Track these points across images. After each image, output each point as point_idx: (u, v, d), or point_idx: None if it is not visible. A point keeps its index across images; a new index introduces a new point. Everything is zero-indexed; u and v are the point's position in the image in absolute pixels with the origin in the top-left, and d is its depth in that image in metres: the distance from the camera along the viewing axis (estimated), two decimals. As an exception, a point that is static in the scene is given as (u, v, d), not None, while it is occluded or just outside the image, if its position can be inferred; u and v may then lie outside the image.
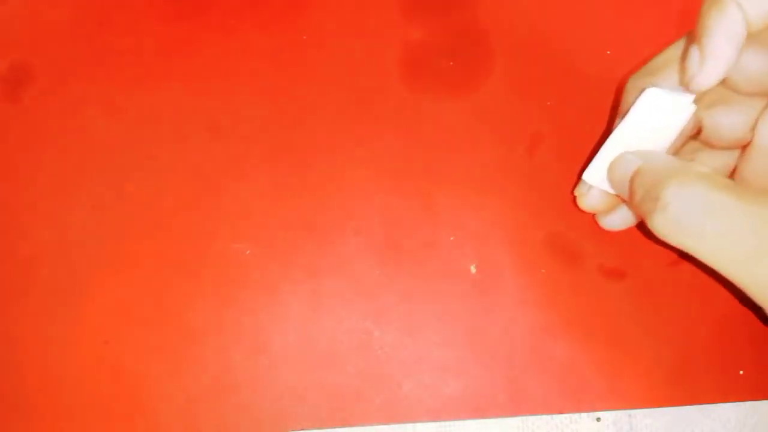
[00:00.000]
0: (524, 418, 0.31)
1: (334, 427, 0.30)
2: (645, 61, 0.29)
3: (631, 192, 0.24)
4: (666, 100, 0.26)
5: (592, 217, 0.33)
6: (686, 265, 0.32)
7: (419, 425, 0.31)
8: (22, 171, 0.34)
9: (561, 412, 0.31)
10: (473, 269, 0.32)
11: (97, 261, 0.32)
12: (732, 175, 0.29)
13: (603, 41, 0.36)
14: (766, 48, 0.24)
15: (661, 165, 0.23)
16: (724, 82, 0.26)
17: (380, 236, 0.33)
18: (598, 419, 0.31)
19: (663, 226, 0.22)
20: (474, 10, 0.36)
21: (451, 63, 0.35)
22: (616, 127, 0.28)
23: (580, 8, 0.36)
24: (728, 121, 0.27)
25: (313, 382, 0.31)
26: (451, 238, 0.33)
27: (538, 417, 0.31)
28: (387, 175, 0.33)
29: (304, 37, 0.36)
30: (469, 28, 0.36)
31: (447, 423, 0.31)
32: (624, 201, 0.28)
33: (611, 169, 0.27)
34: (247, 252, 0.32)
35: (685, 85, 0.24)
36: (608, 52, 0.35)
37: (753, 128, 0.27)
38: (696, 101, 0.26)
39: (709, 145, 0.29)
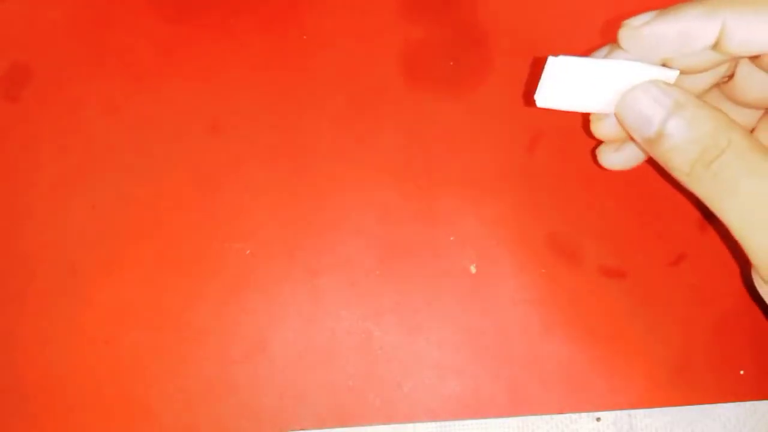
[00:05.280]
0: (524, 418, 0.31)
1: (334, 427, 0.30)
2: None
3: (662, 136, 0.22)
4: (651, 72, 0.24)
5: (592, 217, 0.33)
6: (686, 265, 0.33)
7: (419, 425, 0.31)
8: (22, 171, 0.34)
9: (561, 412, 0.31)
10: (473, 269, 0.32)
11: (97, 261, 0.32)
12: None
13: (603, 41, 0.36)
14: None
15: (712, 116, 0.22)
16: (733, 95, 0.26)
17: (380, 236, 0.33)
18: (598, 419, 0.31)
19: (703, 186, 0.22)
20: (474, 10, 0.36)
21: (451, 63, 0.35)
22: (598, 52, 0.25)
23: (580, 8, 0.36)
24: (760, 81, 0.25)
25: (313, 382, 0.31)
26: (451, 238, 0.33)
27: (538, 417, 0.31)
28: (387, 175, 0.33)
29: (304, 37, 0.36)
30: (469, 28, 0.36)
31: (447, 423, 0.31)
32: (630, 136, 0.25)
33: (631, 97, 0.24)
34: (247, 252, 0.32)
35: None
36: (608, 52, 0.35)
37: None
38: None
39: (733, 100, 0.27)
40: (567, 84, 0.24)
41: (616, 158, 0.28)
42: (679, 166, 0.22)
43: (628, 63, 0.24)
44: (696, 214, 0.33)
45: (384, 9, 0.36)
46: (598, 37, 0.36)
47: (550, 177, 0.33)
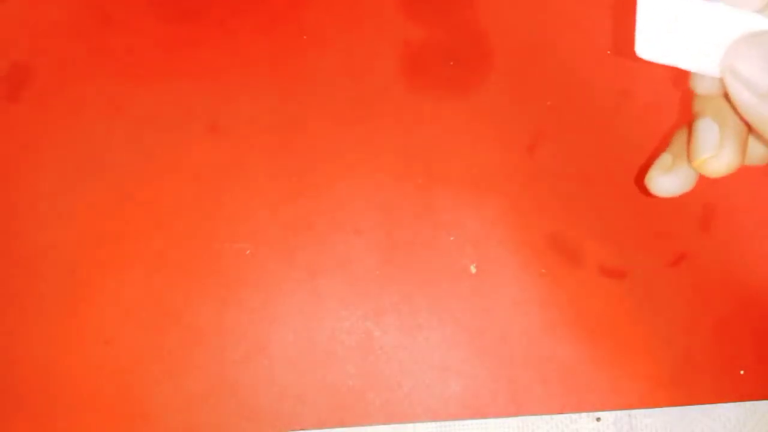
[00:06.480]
0: (524, 418, 0.31)
1: (334, 427, 0.30)
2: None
3: None
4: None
5: (592, 217, 0.33)
6: (686, 265, 0.33)
7: (419, 425, 0.31)
8: (22, 171, 0.34)
9: (561, 412, 0.31)
10: (473, 269, 0.32)
11: (97, 261, 0.32)
12: None
13: (603, 41, 0.36)
14: None
15: None
16: None
17: (380, 236, 0.33)
18: (598, 419, 0.31)
19: None
20: (474, 10, 0.36)
21: (451, 63, 0.35)
22: None
23: (580, 8, 0.36)
24: None
25: (313, 382, 0.31)
26: (451, 238, 0.33)
27: (538, 417, 0.31)
28: (387, 175, 0.33)
29: (304, 37, 0.36)
30: (469, 28, 0.36)
31: (447, 423, 0.31)
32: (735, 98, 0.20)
33: (760, 37, 0.20)
34: (247, 252, 0.32)
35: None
36: (608, 52, 0.35)
37: None
38: None
39: None
40: (667, 27, 0.21)
41: (669, 183, 0.25)
42: None
43: (728, 8, 0.20)
44: (696, 214, 0.33)
45: (384, 9, 0.36)
46: (597, 38, 0.36)
47: (550, 177, 0.33)
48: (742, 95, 0.20)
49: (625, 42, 0.36)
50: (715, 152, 0.23)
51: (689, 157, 0.24)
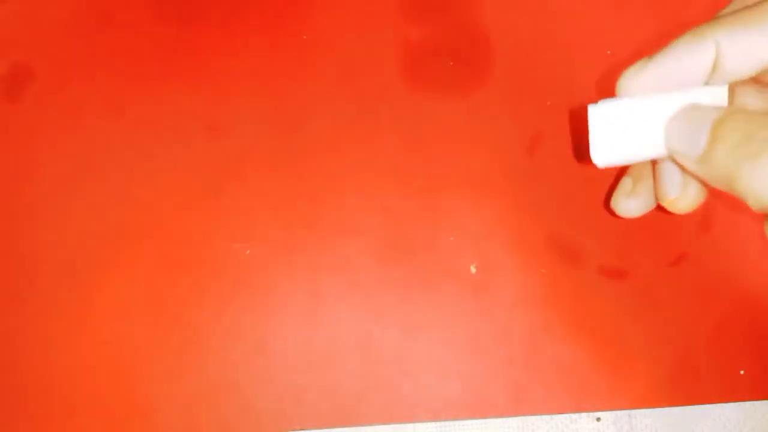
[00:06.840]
0: (524, 418, 0.31)
1: (334, 427, 0.30)
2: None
3: (717, 139, 0.21)
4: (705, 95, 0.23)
5: (592, 217, 0.33)
6: (686, 265, 0.33)
7: (419, 425, 0.31)
8: (22, 171, 0.34)
9: (561, 412, 0.31)
10: (473, 269, 0.32)
11: (97, 261, 0.32)
12: None
13: (603, 41, 0.36)
14: None
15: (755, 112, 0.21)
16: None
17: (380, 236, 0.33)
18: (598, 419, 0.31)
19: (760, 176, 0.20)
20: (474, 10, 0.36)
21: (451, 63, 0.35)
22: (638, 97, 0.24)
23: (580, 8, 0.36)
24: None
25: (313, 382, 0.31)
26: (451, 238, 0.33)
27: (538, 417, 0.31)
28: (387, 175, 0.33)
29: (304, 37, 0.36)
30: (469, 28, 0.36)
31: (447, 423, 0.31)
32: (672, 159, 0.24)
33: (681, 118, 0.23)
34: (247, 252, 0.32)
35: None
36: (608, 52, 0.35)
37: None
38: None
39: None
40: (618, 133, 0.23)
41: (631, 204, 0.28)
42: (740, 168, 0.20)
43: (672, 95, 0.23)
44: (696, 214, 0.33)
45: (384, 9, 0.36)
46: (598, 37, 0.36)
47: (550, 177, 0.33)
48: (684, 164, 0.22)
49: (626, 41, 0.36)
50: (680, 193, 0.26)
51: (658, 198, 0.26)
